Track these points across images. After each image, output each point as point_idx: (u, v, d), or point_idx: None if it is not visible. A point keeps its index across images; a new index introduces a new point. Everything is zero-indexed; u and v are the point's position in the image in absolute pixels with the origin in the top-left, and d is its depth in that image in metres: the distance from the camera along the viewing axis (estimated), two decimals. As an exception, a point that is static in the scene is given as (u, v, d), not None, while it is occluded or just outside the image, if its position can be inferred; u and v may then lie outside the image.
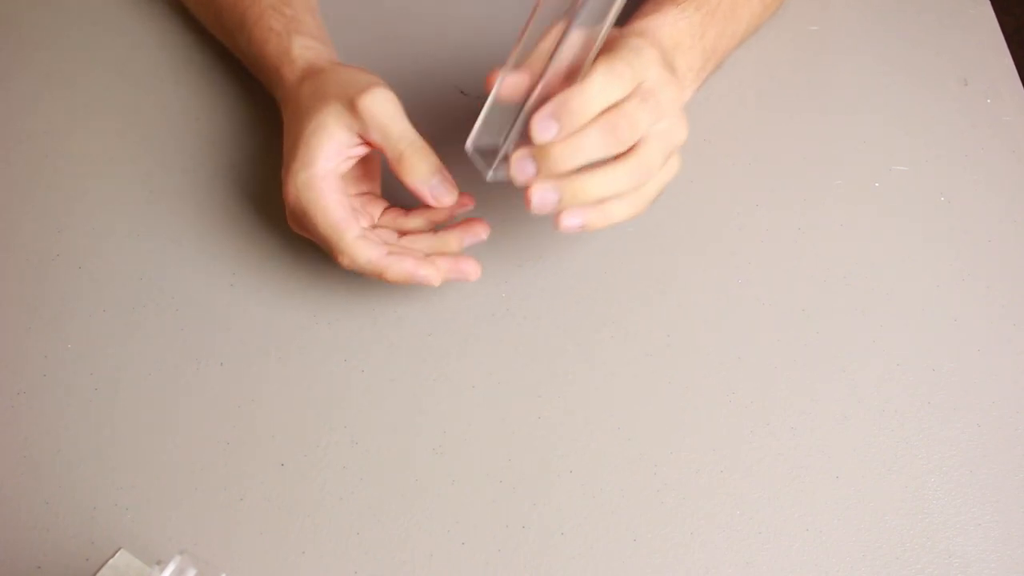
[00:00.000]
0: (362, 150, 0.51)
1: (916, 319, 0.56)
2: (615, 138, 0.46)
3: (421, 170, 0.50)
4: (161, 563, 0.39)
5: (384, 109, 0.49)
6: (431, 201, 0.50)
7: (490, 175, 0.49)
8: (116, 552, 0.46)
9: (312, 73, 0.54)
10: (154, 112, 0.63)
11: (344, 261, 0.50)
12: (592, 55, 0.47)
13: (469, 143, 0.48)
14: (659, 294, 0.56)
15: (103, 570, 0.46)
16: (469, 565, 0.47)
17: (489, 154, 0.48)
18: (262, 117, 0.62)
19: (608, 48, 0.48)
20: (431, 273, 0.50)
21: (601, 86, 0.46)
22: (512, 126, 0.47)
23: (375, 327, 0.55)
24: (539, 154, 0.46)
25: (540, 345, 0.54)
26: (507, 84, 0.47)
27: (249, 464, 0.50)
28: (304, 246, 0.57)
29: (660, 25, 0.55)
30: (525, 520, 0.49)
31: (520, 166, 0.46)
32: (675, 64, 0.54)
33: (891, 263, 0.58)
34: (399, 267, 0.49)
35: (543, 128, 0.45)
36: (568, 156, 0.46)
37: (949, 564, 0.48)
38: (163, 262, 0.57)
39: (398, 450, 0.51)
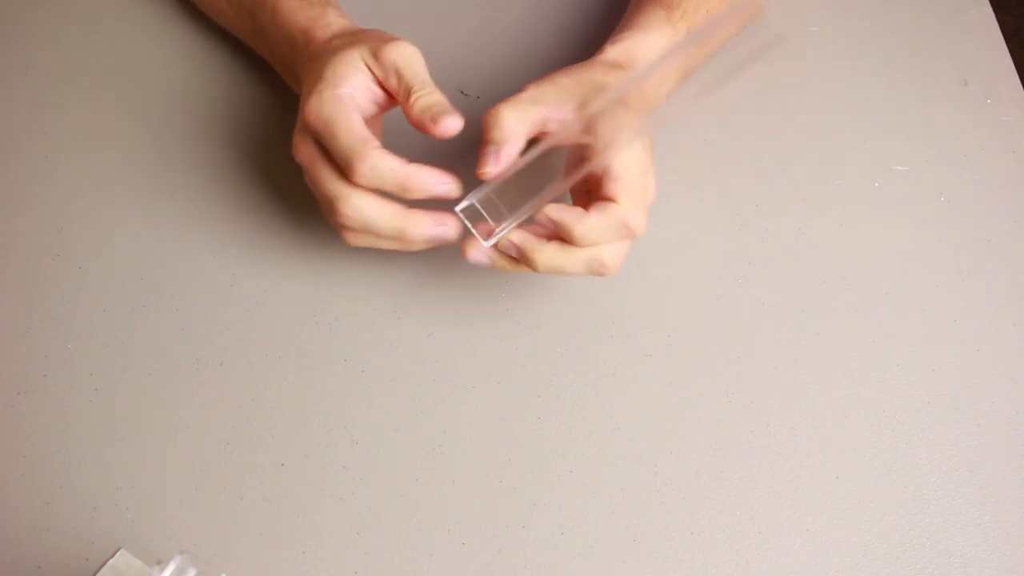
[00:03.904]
0: (379, 97, 0.51)
1: (916, 319, 0.56)
2: (594, 273, 0.49)
3: (425, 103, 0.49)
4: (161, 563, 0.39)
5: (405, 56, 0.49)
6: (433, 128, 0.48)
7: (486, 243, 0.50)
8: (116, 552, 0.46)
9: (346, 33, 0.54)
10: (155, 111, 0.63)
11: (364, 170, 0.46)
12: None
13: (459, 206, 0.49)
14: (659, 294, 0.56)
15: (103, 570, 0.46)
16: (469, 565, 0.47)
17: (477, 217, 0.49)
18: (264, 117, 0.62)
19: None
20: (452, 186, 0.48)
21: (594, 235, 0.48)
22: (511, 212, 0.49)
23: (375, 327, 0.55)
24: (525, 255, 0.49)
25: (540, 345, 0.54)
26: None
27: (249, 464, 0.50)
28: (305, 246, 0.57)
29: (656, 59, 0.56)
30: (525, 520, 0.49)
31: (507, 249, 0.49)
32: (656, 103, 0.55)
33: (891, 263, 0.58)
34: (422, 177, 0.47)
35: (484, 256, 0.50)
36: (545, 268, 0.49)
37: (949, 564, 0.48)
38: (163, 262, 0.57)
39: (398, 450, 0.51)
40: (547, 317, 0.55)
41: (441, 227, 0.48)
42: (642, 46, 0.56)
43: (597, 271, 0.49)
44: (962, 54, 0.69)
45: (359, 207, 0.48)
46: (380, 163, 0.47)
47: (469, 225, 0.50)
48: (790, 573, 0.48)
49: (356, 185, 0.47)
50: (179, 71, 0.66)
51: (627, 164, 0.48)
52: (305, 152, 0.50)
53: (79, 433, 0.51)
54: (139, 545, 0.47)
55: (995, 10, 0.72)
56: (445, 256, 0.57)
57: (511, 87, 0.64)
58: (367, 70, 0.50)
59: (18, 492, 0.49)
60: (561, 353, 0.54)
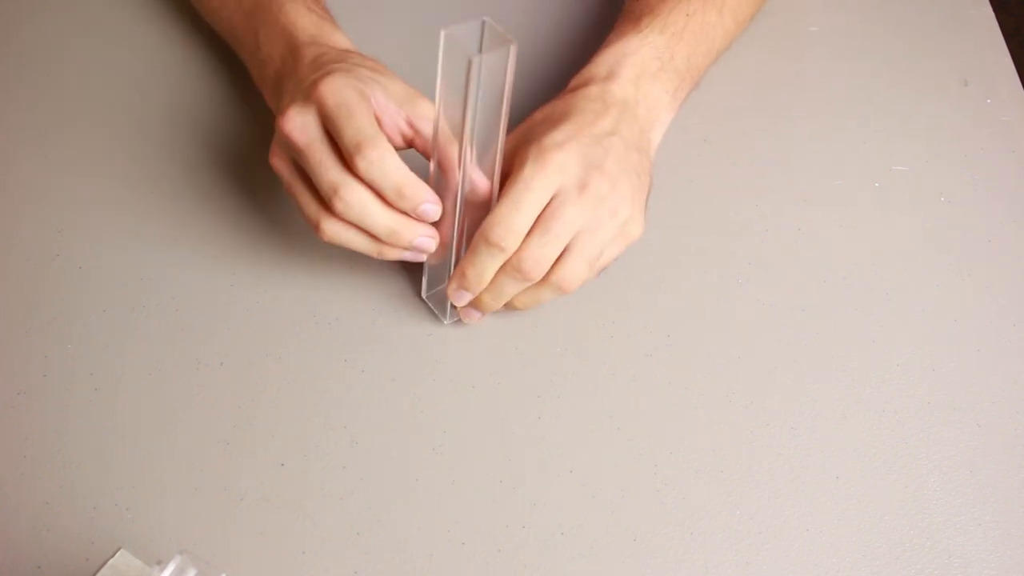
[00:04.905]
0: (400, 129, 0.51)
1: (916, 319, 0.56)
2: (525, 278, 0.49)
3: None
4: (161, 563, 0.39)
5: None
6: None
7: (446, 320, 0.55)
8: (116, 552, 0.46)
9: (362, 57, 0.53)
10: (155, 113, 0.63)
11: (373, 157, 0.46)
12: (497, 167, 0.49)
13: (423, 292, 0.55)
14: (659, 294, 0.56)
15: (103, 570, 0.46)
16: (469, 565, 0.47)
17: (442, 298, 0.53)
18: (264, 119, 0.62)
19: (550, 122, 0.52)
20: (437, 209, 0.48)
21: (502, 232, 0.48)
22: (450, 270, 0.52)
23: (375, 327, 0.55)
24: (476, 304, 0.52)
25: (540, 345, 0.54)
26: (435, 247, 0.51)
27: (249, 464, 0.50)
28: (305, 246, 0.57)
29: (621, 57, 0.57)
30: (525, 520, 0.49)
31: (469, 315, 0.53)
32: (640, 96, 0.56)
33: (891, 263, 0.58)
34: (419, 188, 0.47)
35: (457, 299, 0.51)
36: (492, 302, 0.51)
37: (949, 564, 0.48)
38: (163, 262, 0.57)
39: (398, 450, 0.51)
40: (547, 317, 0.55)
41: (426, 237, 0.49)
42: (597, 61, 0.57)
43: (522, 274, 0.49)
44: (962, 54, 0.69)
45: (363, 197, 0.47)
46: (388, 156, 0.46)
47: (436, 307, 0.55)
48: (790, 573, 0.48)
49: (356, 174, 0.47)
50: (180, 74, 0.66)
51: (516, 172, 0.49)
52: (303, 130, 0.48)
53: (79, 433, 0.51)
54: (139, 545, 0.47)
55: (995, 10, 0.72)
56: (445, 256, 0.57)
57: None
58: (396, 103, 0.49)
59: (18, 492, 0.49)
60: (561, 353, 0.54)
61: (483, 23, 0.44)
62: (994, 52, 0.69)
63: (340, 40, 0.55)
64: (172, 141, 0.62)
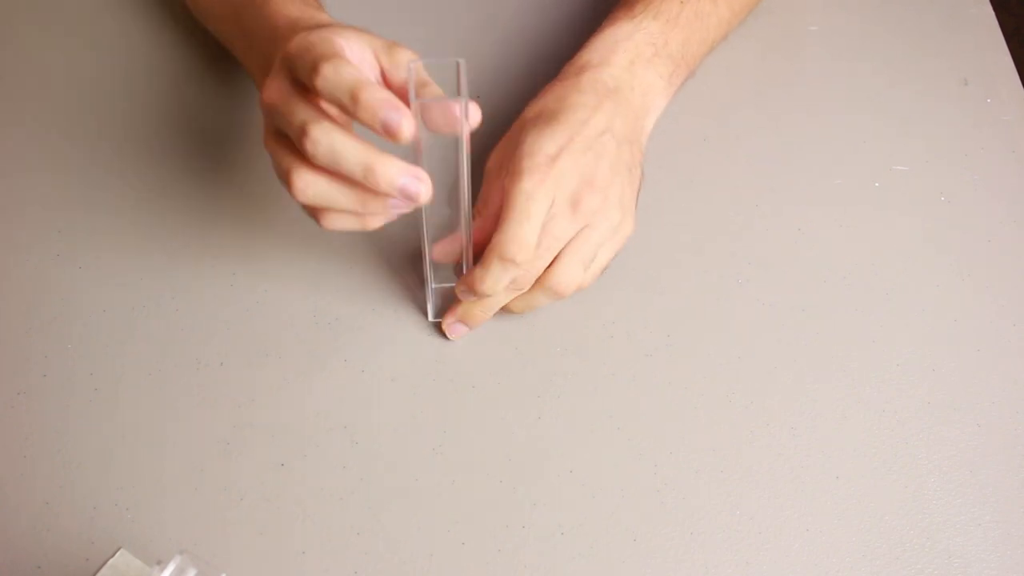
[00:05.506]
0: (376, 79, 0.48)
1: (916, 319, 0.56)
2: (515, 288, 0.51)
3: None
4: (161, 563, 0.39)
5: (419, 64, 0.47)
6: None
7: (430, 319, 0.55)
8: (116, 552, 0.46)
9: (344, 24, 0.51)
10: (155, 112, 0.63)
11: (328, 71, 0.42)
12: (466, 207, 0.49)
13: (430, 318, 0.55)
14: (659, 294, 0.56)
15: (103, 570, 0.46)
16: (469, 565, 0.47)
17: (432, 297, 0.55)
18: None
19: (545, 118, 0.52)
20: (403, 119, 0.42)
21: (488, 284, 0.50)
22: (426, 272, 0.53)
23: (375, 327, 0.55)
24: (466, 319, 0.54)
25: (540, 345, 0.54)
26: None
27: (249, 464, 0.50)
28: (305, 246, 0.57)
29: (614, 43, 0.57)
30: (525, 520, 0.49)
31: (454, 332, 0.54)
32: (635, 82, 0.56)
33: (891, 263, 0.58)
34: (378, 92, 0.42)
35: (454, 333, 0.54)
36: (482, 313, 0.53)
37: (949, 564, 0.48)
38: (163, 262, 0.57)
39: (398, 450, 0.51)
40: (547, 317, 0.55)
41: (412, 178, 0.43)
42: (590, 48, 0.57)
43: (514, 286, 0.51)
44: (962, 54, 0.69)
45: (331, 131, 0.43)
46: (344, 66, 0.43)
47: (430, 305, 0.55)
48: (790, 573, 0.48)
49: (320, 102, 0.44)
50: (179, 74, 0.66)
51: (508, 193, 0.49)
52: (277, 90, 0.45)
53: (79, 433, 0.51)
54: (139, 545, 0.47)
55: (995, 10, 0.72)
56: (445, 256, 0.57)
57: (512, 86, 0.65)
58: (374, 54, 0.46)
59: (18, 492, 0.49)
60: (561, 353, 0.54)
61: (457, 64, 0.44)
62: (994, 52, 0.69)
63: (323, 19, 0.54)
64: (172, 141, 0.62)
